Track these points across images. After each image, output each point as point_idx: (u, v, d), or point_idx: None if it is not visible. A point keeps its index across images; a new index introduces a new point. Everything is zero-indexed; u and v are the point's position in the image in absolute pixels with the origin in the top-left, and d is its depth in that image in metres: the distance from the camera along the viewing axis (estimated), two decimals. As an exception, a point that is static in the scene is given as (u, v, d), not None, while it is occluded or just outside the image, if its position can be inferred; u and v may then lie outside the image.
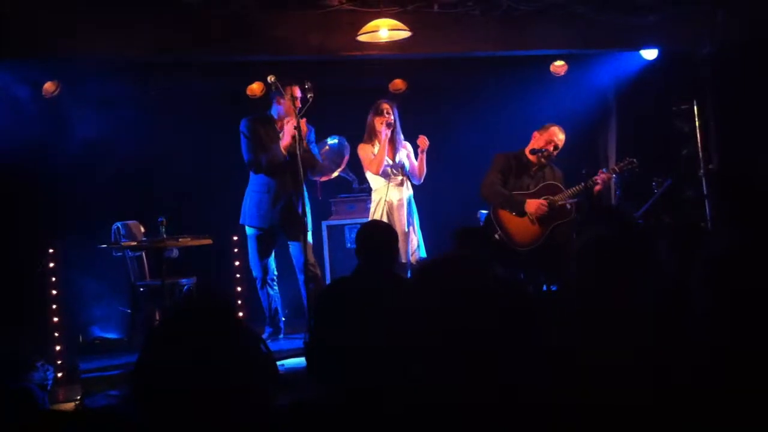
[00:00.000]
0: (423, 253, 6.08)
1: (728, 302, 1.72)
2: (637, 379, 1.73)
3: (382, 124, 5.96)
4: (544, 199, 5.82)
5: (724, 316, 1.72)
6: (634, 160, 5.95)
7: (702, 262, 1.80)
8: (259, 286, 6.06)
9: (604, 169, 5.90)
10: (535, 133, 5.97)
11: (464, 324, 1.57)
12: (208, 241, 5.80)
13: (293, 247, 5.92)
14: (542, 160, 5.90)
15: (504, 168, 5.94)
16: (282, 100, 5.73)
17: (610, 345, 1.86)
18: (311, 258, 5.83)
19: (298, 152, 5.38)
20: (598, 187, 5.79)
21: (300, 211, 5.61)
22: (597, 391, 1.68)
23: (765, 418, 1.59)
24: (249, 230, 5.96)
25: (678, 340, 1.81)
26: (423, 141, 5.96)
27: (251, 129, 5.77)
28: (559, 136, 5.91)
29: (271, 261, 6.05)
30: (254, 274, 6.04)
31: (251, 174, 5.91)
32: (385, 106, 6.02)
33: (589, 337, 1.91)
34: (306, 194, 5.73)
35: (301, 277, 5.91)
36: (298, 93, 5.64)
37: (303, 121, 5.57)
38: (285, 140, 5.65)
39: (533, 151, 5.91)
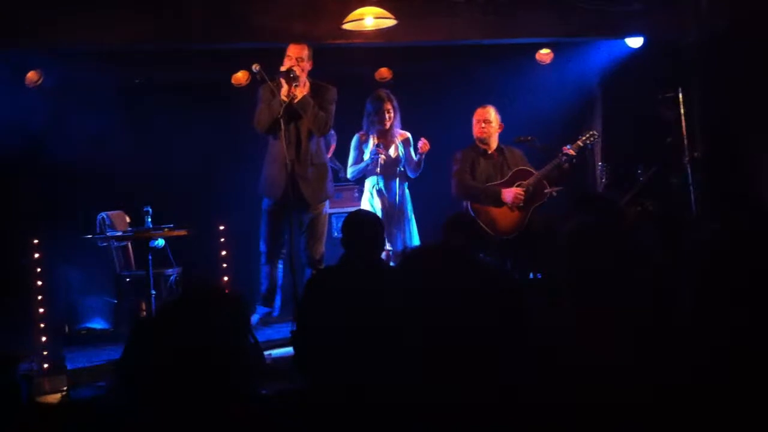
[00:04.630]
0: (416, 243, 6.10)
1: (717, 297, 1.71)
2: (631, 378, 1.71)
3: (381, 122, 5.98)
4: (518, 186, 5.92)
5: (713, 311, 1.71)
6: (594, 132, 6.20)
7: (689, 254, 1.80)
8: (263, 261, 5.82)
9: (568, 146, 6.01)
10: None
11: (450, 318, 1.56)
12: (183, 233, 5.75)
13: (304, 220, 5.71)
14: (485, 135, 6.10)
15: (466, 163, 6.10)
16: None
17: (602, 342, 1.85)
18: (315, 244, 5.69)
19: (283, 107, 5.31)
20: (566, 166, 5.95)
21: (312, 181, 5.54)
22: (589, 389, 1.67)
23: (760, 414, 1.58)
24: (264, 202, 5.75)
25: (671, 336, 1.80)
26: (424, 146, 6.03)
27: (260, 93, 5.63)
28: (485, 109, 6.13)
29: (282, 237, 5.76)
30: (260, 248, 5.82)
31: (267, 145, 5.72)
32: (387, 106, 6.02)
33: (581, 334, 1.90)
34: (325, 162, 5.70)
35: (303, 257, 5.71)
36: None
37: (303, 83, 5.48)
38: (282, 90, 5.46)
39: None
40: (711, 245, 1.79)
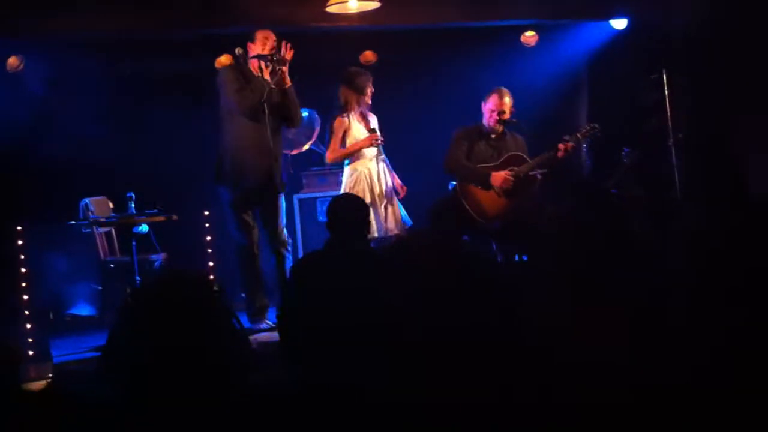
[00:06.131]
0: (408, 222, 5.97)
1: (714, 296, 1.70)
2: (627, 377, 1.71)
3: (363, 102, 5.84)
4: (509, 170, 5.85)
5: (710, 311, 1.70)
6: (596, 125, 6.03)
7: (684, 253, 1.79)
8: (243, 260, 5.58)
9: (566, 137, 5.90)
10: (483, 106, 6.00)
11: (437, 306, 1.56)
12: (166, 218, 5.70)
13: (264, 211, 5.56)
14: (499, 126, 5.93)
15: (465, 141, 5.96)
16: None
17: (598, 340, 1.84)
18: (280, 225, 5.55)
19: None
20: (560, 154, 5.81)
21: (274, 170, 5.36)
22: (585, 388, 1.66)
23: (758, 414, 1.58)
24: (225, 192, 5.51)
25: (668, 335, 1.80)
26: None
27: (226, 74, 5.49)
28: (503, 100, 5.91)
29: (256, 224, 5.57)
30: (240, 240, 5.56)
31: (225, 129, 5.52)
32: (370, 87, 5.86)
33: (577, 332, 1.89)
34: (283, 152, 5.65)
35: (272, 242, 5.57)
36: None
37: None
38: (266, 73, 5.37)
39: (502, 123, 5.93)
40: (706, 244, 1.79)
